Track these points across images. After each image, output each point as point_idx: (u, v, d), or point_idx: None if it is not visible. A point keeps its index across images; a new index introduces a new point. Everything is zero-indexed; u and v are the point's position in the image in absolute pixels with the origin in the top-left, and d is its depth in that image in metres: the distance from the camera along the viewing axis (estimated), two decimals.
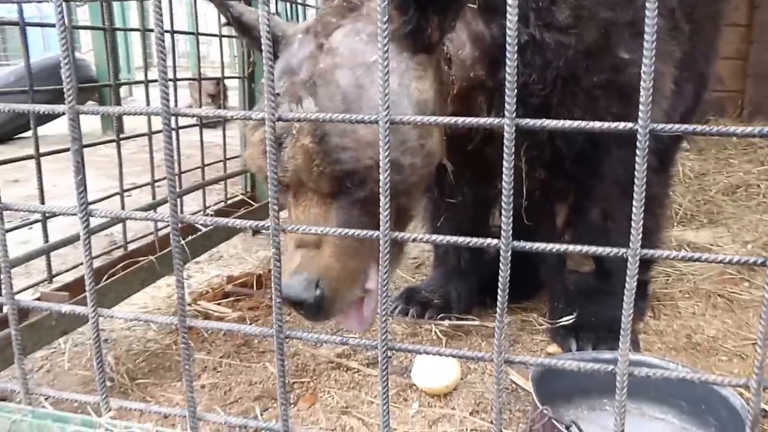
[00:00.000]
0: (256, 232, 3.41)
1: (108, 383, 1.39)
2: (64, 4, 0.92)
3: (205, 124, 2.89)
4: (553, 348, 2.07)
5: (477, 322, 2.23)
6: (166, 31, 0.89)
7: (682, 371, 0.78)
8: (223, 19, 1.69)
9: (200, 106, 4.56)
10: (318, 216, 1.44)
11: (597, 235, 1.93)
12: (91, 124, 7.22)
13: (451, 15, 1.51)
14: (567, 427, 1.39)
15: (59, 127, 6.28)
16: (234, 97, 7.53)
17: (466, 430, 1.67)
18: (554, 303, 2.18)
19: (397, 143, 1.42)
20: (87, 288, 0.96)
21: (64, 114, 0.94)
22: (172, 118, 0.93)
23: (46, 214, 1.88)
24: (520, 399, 1.81)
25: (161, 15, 0.87)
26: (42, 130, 1.97)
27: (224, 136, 3.01)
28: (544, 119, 0.79)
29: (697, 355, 2.05)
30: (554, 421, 1.40)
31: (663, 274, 2.70)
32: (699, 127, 0.76)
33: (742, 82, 6.24)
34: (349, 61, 1.44)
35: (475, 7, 1.62)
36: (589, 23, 1.70)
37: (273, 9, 3.37)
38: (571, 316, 2.06)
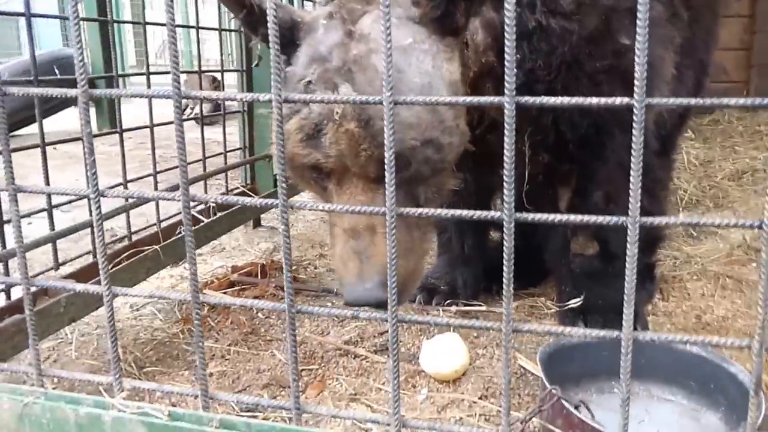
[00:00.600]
0: (257, 224, 3.42)
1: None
2: None
3: (204, 122, 2.90)
4: None
5: (484, 308, 2.24)
6: (175, 26, 0.91)
7: (685, 336, 0.78)
8: (230, 14, 1.69)
9: (200, 104, 4.55)
10: (366, 202, 1.45)
11: None
12: None
13: (478, 1, 1.55)
14: (576, 407, 1.40)
15: (56, 125, 6.28)
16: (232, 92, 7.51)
17: (476, 414, 1.68)
18: (561, 287, 2.19)
19: (436, 122, 1.46)
20: (100, 267, 0.96)
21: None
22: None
23: (53, 200, 1.89)
24: (529, 383, 1.81)
25: (173, 8, 0.89)
26: (35, 128, 1.97)
27: (224, 131, 3.02)
28: (543, 97, 0.80)
29: (706, 335, 2.05)
30: (563, 401, 1.40)
31: (670, 257, 2.70)
32: (693, 100, 0.77)
33: (746, 72, 6.24)
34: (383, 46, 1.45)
35: None
36: (590, 9, 1.72)
37: None
38: (578, 299, 2.07)
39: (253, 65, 3.11)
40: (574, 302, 2.08)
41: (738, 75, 6.16)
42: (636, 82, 0.73)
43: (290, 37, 1.56)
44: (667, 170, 2.55)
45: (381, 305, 1.43)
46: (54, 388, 1.75)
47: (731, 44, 5.92)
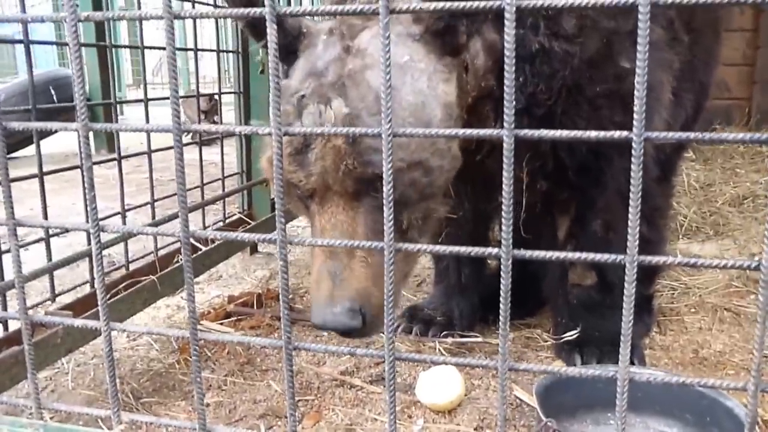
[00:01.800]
0: (254, 250, 3.42)
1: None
2: (78, 23, 0.94)
3: (202, 142, 2.91)
4: (558, 364, 2.08)
5: (480, 339, 2.24)
6: (175, 49, 0.92)
7: (682, 376, 0.79)
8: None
9: (199, 122, 4.57)
10: (344, 222, 1.43)
11: (599, 247, 1.93)
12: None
13: (481, 17, 1.53)
14: None
15: (53, 146, 6.28)
16: (228, 113, 7.56)
17: None
18: (557, 318, 2.19)
19: (427, 144, 1.43)
20: (99, 301, 0.97)
21: (60, 131, 0.96)
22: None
23: (50, 232, 1.90)
24: (525, 414, 1.81)
25: (173, 34, 0.89)
26: (31, 150, 1.98)
27: (222, 155, 3.03)
28: (542, 129, 0.81)
29: (704, 370, 2.05)
30: None
31: (668, 288, 2.71)
32: (692, 135, 0.78)
33: (749, 88, 6.00)
34: (379, 62, 1.43)
35: (490, 16, 1.63)
36: (592, 32, 1.72)
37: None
38: (574, 331, 2.07)
39: (259, 72, 3.13)
40: (571, 335, 2.08)
41: (740, 91, 5.93)
42: (635, 116, 0.73)
43: (294, 46, 1.56)
44: (666, 197, 2.53)
45: (347, 332, 1.42)
46: (51, 418, 1.74)
47: (734, 59, 5.70)
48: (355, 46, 1.49)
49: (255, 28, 1.61)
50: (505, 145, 0.80)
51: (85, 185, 0.99)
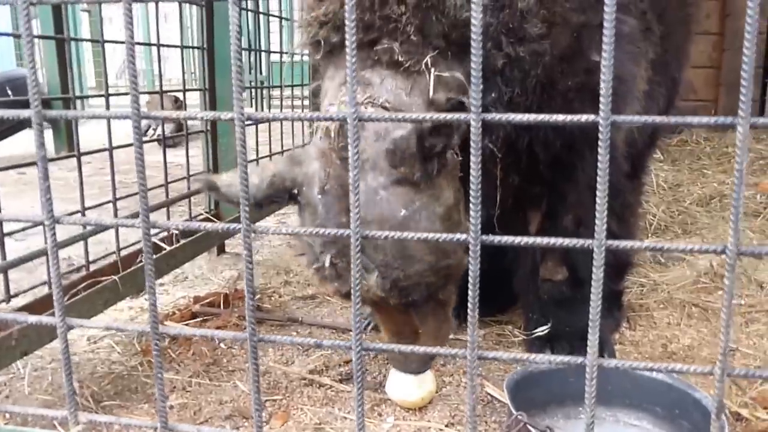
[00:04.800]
0: (221, 251, 3.36)
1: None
2: (30, 7, 0.90)
3: (166, 143, 2.85)
4: None
5: (450, 336, 2.22)
6: (134, 43, 0.88)
7: (650, 363, 0.78)
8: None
9: (162, 125, 4.48)
10: (399, 322, 1.72)
11: None
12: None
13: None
14: None
15: (11, 149, 6.13)
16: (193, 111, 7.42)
17: None
18: (528, 314, 2.19)
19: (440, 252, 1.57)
20: (55, 297, 0.93)
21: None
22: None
23: (5, 228, 1.83)
24: (496, 410, 1.80)
25: (132, 25, 0.86)
26: None
27: (187, 154, 2.96)
28: (509, 113, 0.79)
29: (669, 363, 2.07)
30: (529, 427, 1.40)
31: (637, 284, 2.73)
32: (659, 118, 0.77)
33: (715, 90, 6.16)
34: (379, 221, 1.47)
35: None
36: (563, 29, 1.72)
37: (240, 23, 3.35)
38: (545, 327, 2.07)
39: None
40: (542, 330, 2.08)
41: (706, 93, 6.08)
42: (602, 99, 0.72)
43: (291, 188, 1.58)
44: (636, 194, 2.56)
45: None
46: (6, 424, 1.68)
47: (700, 62, 5.86)
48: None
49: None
50: (472, 129, 0.79)
51: (40, 177, 0.94)
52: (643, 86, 1.99)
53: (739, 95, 0.68)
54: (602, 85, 0.73)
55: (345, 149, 1.47)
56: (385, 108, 1.51)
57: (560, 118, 0.77)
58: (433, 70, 1.55)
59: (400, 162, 1.47)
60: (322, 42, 1.62)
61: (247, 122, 0.89)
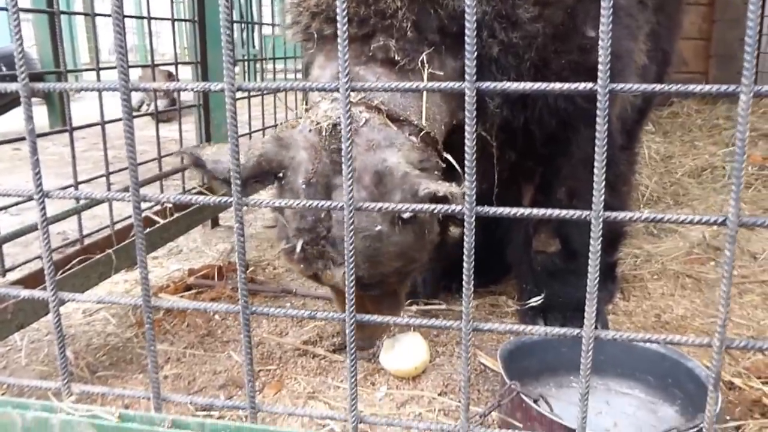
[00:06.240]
0: (215, 224, 3.36)
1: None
2: None
3: (159, 118, 2.82)
4: None
5: (444, 306, 2.24)
6: (124, 16, 0.87)
7: (647, 334, 0.79)
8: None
9: (155, 99, 4.45)
10: (357, 304, 1.69)
11: None
12: (38, 121, 6.97)
13: None
14: (535, 401, 1.40)
15: (6, 125, 6.08)
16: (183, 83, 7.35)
17: (435, 410, 1.68)
18: (522, 285, 2.20)
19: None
20: (46, 271, 0.93)
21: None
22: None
23: None
24: (489, 379, 1.82)
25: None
26: None
27: (180, 129, 2.94)
28: (505, 82, 0.79)
29: (667, 334, 2.08)
30: (522, 395, 1.41)
31: (631, 256, 2.75)
32: (658, 86, 0.77)
33: (705, 62, 6.08)
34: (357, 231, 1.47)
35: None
36: (555, 8, 1.70)
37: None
38: (539, 297, 2.08)
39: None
40: (535, 301, 2.09)
41: (697, 65, 6.01)
42: (600, 66, 0.72)
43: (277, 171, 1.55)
44: (629, 164, 2.57)
45: None
46: (3, 395, 1.69)
47: (690, 34, 5.78)
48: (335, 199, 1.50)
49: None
50: (466, 98, 0.78)
51: (29, 150, 0.93)
52: (643, 59, 1.98)
53: (743, 63, 0.67)
54: (600, 52, 0.72)
55: (334, 151, 1.47)
56: (380, 110, 1.52)
57: (557, 86, 0.76)
58: (427, 67, 1.54)
59: (384, 185, 1.47)
60: (315, 34, 1.61)
61: (238, 93, 0.88)
